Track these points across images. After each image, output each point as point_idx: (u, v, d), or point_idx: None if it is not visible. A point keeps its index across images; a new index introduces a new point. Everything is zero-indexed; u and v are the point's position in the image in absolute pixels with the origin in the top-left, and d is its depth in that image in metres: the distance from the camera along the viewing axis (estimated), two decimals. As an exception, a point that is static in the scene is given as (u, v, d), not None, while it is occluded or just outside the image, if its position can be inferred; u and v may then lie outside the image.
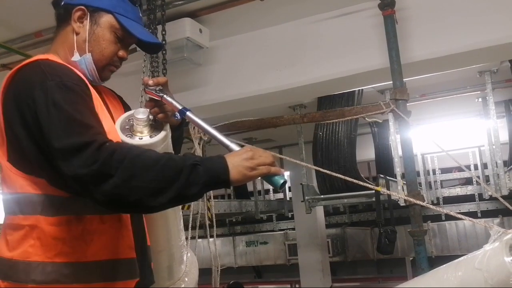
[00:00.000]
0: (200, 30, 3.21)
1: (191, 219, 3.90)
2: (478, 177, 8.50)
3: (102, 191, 1.21)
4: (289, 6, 3.26)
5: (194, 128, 3.28)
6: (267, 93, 3.56)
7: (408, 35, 3.09)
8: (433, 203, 8.69)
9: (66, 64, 1.47)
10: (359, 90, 5.06)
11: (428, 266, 2.72)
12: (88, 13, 1.51)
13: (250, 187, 8.38)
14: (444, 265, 1.72)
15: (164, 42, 2.67)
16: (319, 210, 8.32)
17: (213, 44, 3.54)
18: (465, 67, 3.51)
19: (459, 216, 1.86)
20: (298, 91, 3.57)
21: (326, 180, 5.38)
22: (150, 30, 2.52)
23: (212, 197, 3.37)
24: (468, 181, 9.69)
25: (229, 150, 1.53)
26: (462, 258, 1.66)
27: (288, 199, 8.99)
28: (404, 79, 3.06)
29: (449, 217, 8.75)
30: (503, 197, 5.81)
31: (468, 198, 9.29)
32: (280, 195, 9.93)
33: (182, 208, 6.16)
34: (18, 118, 1.34)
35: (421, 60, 3.10)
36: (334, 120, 3.17)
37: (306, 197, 5.30)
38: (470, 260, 1.59)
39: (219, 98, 3.60)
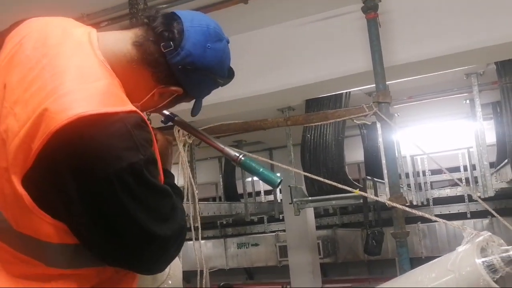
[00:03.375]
0: (185, 33, 3.22)
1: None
2: (467, 178, 8.57)
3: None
4: (274, 9, 3.28)
5: (179, 131, 3.29)
6: (252, 95, 3.59)
7: (391, 38, 3.11)
8: (422, 204, 8.74)
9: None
10: (346, 92, 5.09)
11: (410, 267, 2.74)
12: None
13: (240, 189, 8.39)
14: (420, 267, 1.74)
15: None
16: (309, 212, 8.34)
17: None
18: (449, 69, 3.54)
19: (433, 218, 1.88)
20: (283, 94, 3.59)
21: (314, 182, 5.41)
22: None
23: (196, 199, 3.36)
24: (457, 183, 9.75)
25: (223, 153, 1.56)
26: (437, 259, 1.68)
27: (279, 201, 9.03)
28: (388, 82, 3.09)
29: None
30: (491, 198, 5.90)
31: (458, 199, 9.35)
32: (271, 197, 9.95)
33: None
34: (73, 188, 1.03)
35: (405, 63, 3.12)
36: (318, 123, 3.18)
37: (295, 199, 5.32)
38: (443, 262, 1.61)
39: (205, 101, 3.60)
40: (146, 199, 1.08)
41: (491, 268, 1.45)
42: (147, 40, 1.20)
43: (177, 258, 2.53)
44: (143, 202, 1.08)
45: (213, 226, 11.44)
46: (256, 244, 10.85)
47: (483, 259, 1.49)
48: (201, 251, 3.55)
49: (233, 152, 1.56)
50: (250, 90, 3.54)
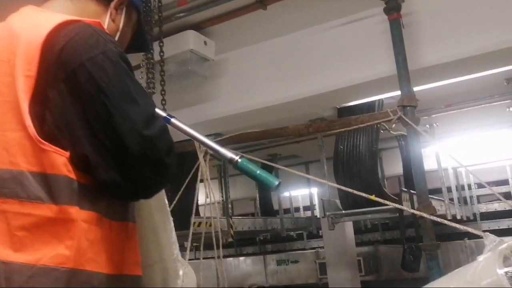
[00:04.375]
0: (205, 42, 3.18)
1: (203, 235, 3.83)
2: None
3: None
4: (293, 15, 3.20)
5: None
6: (275, 104, 3.50)
7: (416, 40, 2.97)
8: (468, 219, 8.33)
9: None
10: (379, 101, 4.92)
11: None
12: (125, 5, 1.39)
13: (276, 206, 8.26)
14: (439, 278, 1.59)
15: (161, 53, 2.65)
16: (348, 227, 8.10)
17: (220, 57, 3.51)
18: (481, 71, 3.33)
19: (457, 226, 1.72)
20: (307, 102, 3.49)
21: (348, 195, 5.23)
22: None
23: (214, 215, 3.29)
24: (507, 196, 9.28)
25: (219, 154, 1.49)
26: (457, 270, 1.53)
27: (318, 216, 8.83)
28: (417, 88, 2.94)
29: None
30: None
31: (508, 214, 8.87)
32: (309, 213, 9.77)
33: (199, 226, 6.09)
34: (62, 83, 1.11)
35: (431, 65, 2.96)
36: (340, 130, 3.05)
37: (327, 213, 5.15)
38: (463, 273, 1.46)
39: (228, 111, 3.56)
40: (127, 88, 1.12)
41: (515, 279, 1.29)
42: None
43: (192, 272, 2.45)
44: (123, 91, 1.11)
45: (252, 243, 11.33)
46: (296, 261, 10.63)
47: (506, 269, 1.33)
48: (222, 265, 3.46)
49: (229, 154, 1.48)
50: (272, 98, 3.46)
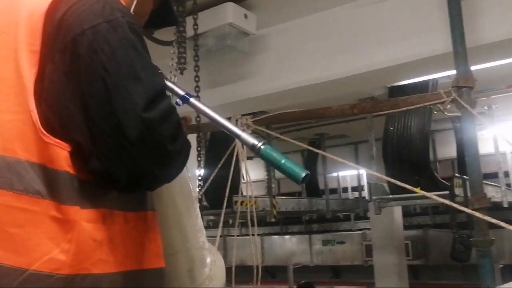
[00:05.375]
0: (245, 16, 3.01)
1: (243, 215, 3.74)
2: None
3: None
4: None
5: (237, 121, 3.09)
6: (319, 82, 3.30)
7: (475, 14, 2.68)
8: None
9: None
10: (433, 80, 4.61)
11: (495, 283, 2.33)
12: None
13: (322, 185, 8.08)
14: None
15: (195, 27, 2.52)
16: (396, 210, 7.83)
17: (262, 32, 3.33)
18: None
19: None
20: (354, 80, 3.27)
21: (396, 178, 5.00)
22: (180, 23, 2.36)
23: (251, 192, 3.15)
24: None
25: (240, 140, 1.36)
26: None
27: (367, 198, 8.61)
28: (474, 67, 2.67)
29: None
30: None
31: None
32: (357, 194, 9.54)
33: (241, 205, 6.03)
34: (59, 52, 0.99)
35: (491, 42, 2.67)
36: (387, 111, 2.83)
37: (374, 197, 4.95)
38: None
39: (269, 89, 3.39)
40: (131, 62, 0.99)
41: None
42: None
43: (221, 260, 2.35)
44: (126, 66, 0.98)
45: (298, 222, 11.25)
46: (342, 242, 10.45)
47: None
48: (256, 246, 3.35)
49: (251, 140, 1.33)
50: (316, 76, 3.26)
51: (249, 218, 3.02)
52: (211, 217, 6.93)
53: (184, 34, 2.32)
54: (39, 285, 0.93)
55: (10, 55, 1.02)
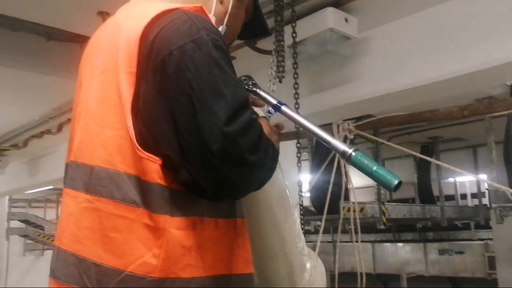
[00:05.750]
0: (346, 20, 2.97)
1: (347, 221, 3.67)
2: None
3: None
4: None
5: (338, 126, 3.05)
6: (428, 83, 3.12)
7: None
8: None
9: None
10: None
11: None
12: None
13: (436, 191, 7.65)
14: None
15: (294, 35, 2.53)
16: (523, 220, 7.17)
17: (364, 35, 3.25)
18: None
19: None
20: (469, 78, 3.03)
21: (520, 185, 4.59)
22: (278, 31, 2.39)
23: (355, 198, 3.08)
24: None
25: (330, 146, 1.35)
26: None
27: (488, 205, 8.00)
28: None
29: None
30: None
31: None
32: (476, 201, 8.90)
33: (354, 211, 5.90)
34: (152, 73, 1.07)
35: None
36: (504, 112, 2.60)
37: (494, 205, 4.60)
38: None
39: (373, 93, 3.29)
40: (214, 79, 1.04)
41: None
42: None
43: (322, 265, 2.32)
44: (209, 83, 1.03)
45: (411, 229, 10.77)
46: (461, 252, 9.81)
47: None
48: (360, 253, 3.26)
49: (342, 146, 1.30)
50: (424, 77, 3.09)
51: (352, 225, 2.95)
52: (318, 223, 6.90)
53: (282, 43, 2.34)
54: (133, 285, 1.02)
55: (113, 77, 1.12)
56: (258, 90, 1.44)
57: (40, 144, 6.24)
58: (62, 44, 3.30)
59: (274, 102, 1.41)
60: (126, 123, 1.08)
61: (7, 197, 9.64)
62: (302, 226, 2.73)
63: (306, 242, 2.27)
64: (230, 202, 1.21)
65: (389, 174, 1.23)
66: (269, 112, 1.41)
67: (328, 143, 1.32)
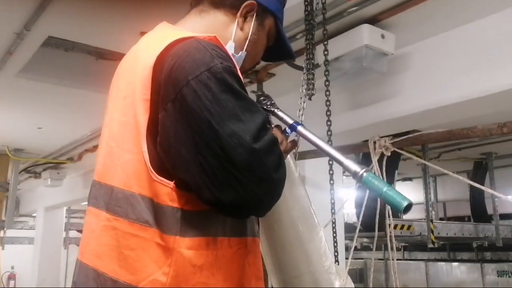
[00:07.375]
0: (382, 36, 2.96)
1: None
2: None
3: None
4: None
5: (375, 143, 3.03)
6: (468, 99, 3.04)
7: None
8: None
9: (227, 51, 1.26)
10: None
11: None
12: (256, 11, 1.40)
13: (490, 210, 7.34)
14: None
15: (325, 52, 2.55)
16: None
17: (402, 51, 3.22)
18: None
19: None
20: (509, 95, 2.96)
21: None
22: (309, 51, 2.43)
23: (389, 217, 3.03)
24: None
25: (343, 166, 1.39)
26: None
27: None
28: None
29: None
30: None
31: None
32: (536, 220, 8.45)
33: (401, 228, 5.78)
34: (171, 102, 1.13)
35: None
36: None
37: (548, 225, 4.36)
38: None
39: (410, 109, 3.24)
40: (231, 105, 1.10)
41: None
42: None
43: (350, 282, 2.32)
44: (227, 109, 1.09)
45: (467, 248, 10.34)
46: (521, 274, 9.31)
47: None
48: (396, 271, 3.20)
49: (353, 167, 1.33)
50: (464, 93, 3.03)
51: (388, 242, 2.91)
52: (365, 240, 6.78)
53: (313, 61, 2.38)
54: None
55: (132, 103, 1.21)
56: (276, 110, 1.50)
57: (93, 158, 6.50)
58: (109, 62, 3.47)
59: (291, 121, 1.46)
60: (141, 148, 1.16)
61: (65, 208, 10.07)
62: (335, 244, 2.71)
63: (355, 258, 2.28)
64: (242, 221, 1.25)
65: (399, 196, 1.23)
66: (285, 132, 1.46)
67: (341, 163, 1.36)
